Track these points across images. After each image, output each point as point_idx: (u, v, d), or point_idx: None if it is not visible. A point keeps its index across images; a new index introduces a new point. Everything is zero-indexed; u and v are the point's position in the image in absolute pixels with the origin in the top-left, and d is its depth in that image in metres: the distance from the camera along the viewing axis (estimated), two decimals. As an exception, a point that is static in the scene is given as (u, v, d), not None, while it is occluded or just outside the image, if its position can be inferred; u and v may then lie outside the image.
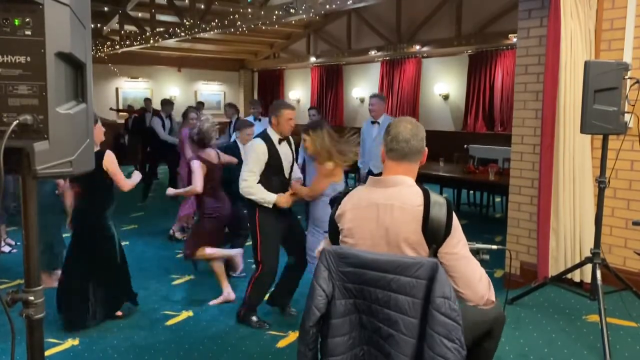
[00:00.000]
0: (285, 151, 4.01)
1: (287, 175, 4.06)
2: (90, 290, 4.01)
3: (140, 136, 11.00)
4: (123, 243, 6.40)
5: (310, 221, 4.17)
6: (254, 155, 3.87)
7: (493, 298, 2.09)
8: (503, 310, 2.59)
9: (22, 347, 1.38)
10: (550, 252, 4.30)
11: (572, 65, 4.08)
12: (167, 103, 9.66)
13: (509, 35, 9.44)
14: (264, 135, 3.96)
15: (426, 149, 2.20)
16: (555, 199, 4.23)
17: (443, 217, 1.97)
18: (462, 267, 2.00)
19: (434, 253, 2.00)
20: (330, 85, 14.48)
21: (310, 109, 8.58)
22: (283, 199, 3.91)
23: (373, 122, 6.34)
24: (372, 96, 6.45)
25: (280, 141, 3.97)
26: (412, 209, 1.99)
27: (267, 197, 3.87)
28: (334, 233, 2.24)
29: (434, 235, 1.97)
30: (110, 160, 3.84)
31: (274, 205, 3.89)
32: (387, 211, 2.04)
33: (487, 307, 2.09)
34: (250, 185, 3.86)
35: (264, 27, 9.93)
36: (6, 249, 6.05)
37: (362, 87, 13.90)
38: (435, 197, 2.02)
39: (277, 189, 3.94)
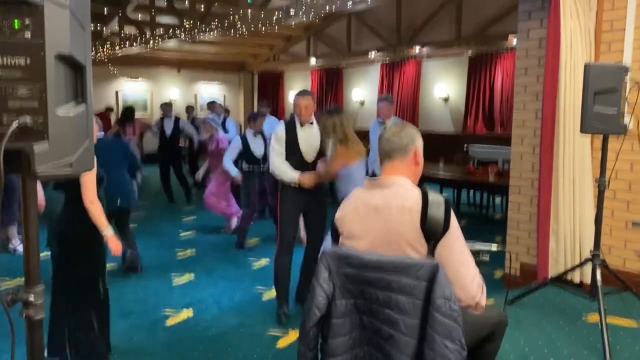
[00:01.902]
0: (306, 135, 4.20)
1: (307, 158, 4.19)
2: (72, 330, 3.34)
3: None
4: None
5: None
6: (274, 138, 4.20)
7: (484, 303, 2.05)
8: (505, 313, 2.60)
9: (22, 348, 1.38)
10: (550, 253, 4.31)
11: (572, 67, 4.08)
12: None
13: (509, 36, 9.46)
14: (289, 120, 4.27)
15: (417, 148, 2.19)
16: (555, 200, 4.23)
17: (441, 215, 1.98)
18: (457, 265, 2.00)
19: (432, 249, 2.00)
20: (330, 88, 14.50)
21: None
22: (305, 178, 4.08)
23: (381, 123, 6.35)
24: (381, 99, 6.41)
25: (302, 125, 4.19)
26: (410, 208, 2.01)
27: (289, 174, 4.10)
28: (335, 235, 2.25)
29: (433, 232, 1.98)
30: None
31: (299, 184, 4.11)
32: (385, 211, 2.05)
33: (477, 311, 2.07)
34: (275, 165, 4.15)
35: (264, 30, 9.94)
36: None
37: (362, 89, 13.92)
38: (433, 196, 2.03)
39: (297, 169, 4.13)
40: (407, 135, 2.19)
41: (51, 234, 3.37)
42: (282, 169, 4.11)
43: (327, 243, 3.91)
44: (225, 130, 8.89)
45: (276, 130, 4.22)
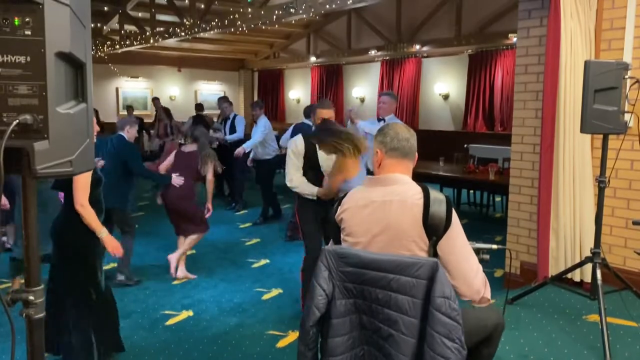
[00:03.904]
0: None
1: (326, 171, 4.03)
2: (73, 331, 3.25)
3: None
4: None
5: None
6: (293, 150, 4.04)
7: (489, 296, 2.10)
8: (503, 315, 2.59)
9: (23, 347, 1.38)
10: (550, 251, 4.30)
11: (572, 65, 4.08)
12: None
13: (509, 35, 9.46)
14: (306, 133, 4.15)
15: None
16: (555, 199, 4.23)
17: (443, 212, 2.01)
18: (460, 260, 2.03)
19: (434, 245, 2.02)
20: (330, 85, 14.49)
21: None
22: (322, 192, 3.96)
23: (379, 120, 6.32)
24: (384, 94, 6.35)
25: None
26: (412, 203, 2.03)
27: (308, 189, 4.00)
28: (336, 233, 2.25)
29: (435, 228, 2.01)
30: None
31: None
32: (386, 207, 2.06)
33: (484, 304, 2.11)
34: (293, 180, 4.02)
35: (264, 27, 9.93)
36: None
37: (362, 87, 13.91)
38: (434, 194, 2.06)
39: (313, 182, 4.02)
40: (414, 139, 2.25)
41: (50, 233, 3.31)
42: (300, 183, 4.00)
43: None
44: (233, 130, 8.67)
45: (295, 143, 4.06)
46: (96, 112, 11.50)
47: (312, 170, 4.03)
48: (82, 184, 3.13)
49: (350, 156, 3.70)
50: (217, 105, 9.54)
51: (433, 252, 2.03)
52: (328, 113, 4.11)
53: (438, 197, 2.04)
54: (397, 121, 6.13)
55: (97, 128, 3.53)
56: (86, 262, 3.27)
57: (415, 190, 2.07)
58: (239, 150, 7.70)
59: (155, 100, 12.10)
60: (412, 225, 2.01)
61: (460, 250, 2.04)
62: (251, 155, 7.91)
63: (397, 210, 2.04)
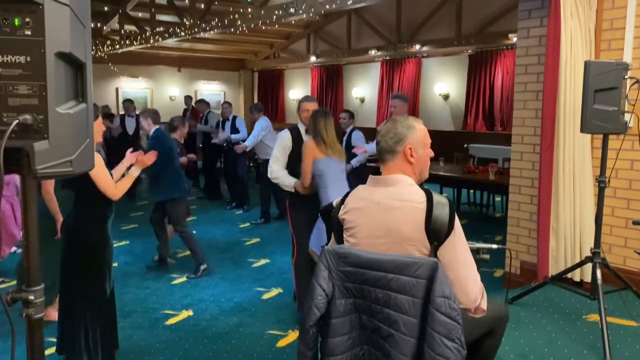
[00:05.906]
0: None
1: None
2: (82, 331, 3.25)
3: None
4: (122, 242, 6.50)
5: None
6: (279, 145, 4.19)
7: (485, 307, 2.04)
8: (506, 308, 2.59)
9: (23, 347, 1.38)
10: (550, 251, 4.31)
11: (572, 65, 4.08)
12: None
13: (509, 35, 9.45)
14: (294, 129, 4.24)
15: (410, 146, 2.15)
16: (555, 199, 4.23)
17: (445, 216, 1.96)
18: (459, 266, 1.99)
19: (435, 250, 1.98)
20: (330, 85, 14.48)
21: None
22: (299, 185, 4.01)
23: None
24: (395, 97, 6.32)
25: (307, 131, 4.15)
26: (414, 207, 1.99)
27: (286, 181, 4.10)
28: (339, 232, 2.24)
29: (436, 233, 1.96)
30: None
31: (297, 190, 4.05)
32: (388, 210, 2.04)
33: (478, 315, 2.05)
34: (273, 171, 4.15)
35: (264, 27, 9.92)
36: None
37: (362, 87, 13.90)
38: (437, 197, 2.01)
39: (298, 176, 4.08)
40: (395, 135, 2.15)
41: (61, 230, 3.35)
42: (280, 175, 4.11)
43: (314, 241, 3.91)
44: (234, 131, 8.74)
45: (282, 138, 4.18)
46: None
47: (298, 164, 4.01)
48: (103, 180, 3.13)
49: (319, 143, 3.86)
50: (198, 107, 10.31)
51: (434, 257, 2.00)
52: (314, 105, 4.22)
53: (441, 200, 1.99)
54: None
55: (102, 128, 3.43)
56: (96, 261, 3.28)
57: (418, 194, 2.02)
58: (241, 146, 7.79)
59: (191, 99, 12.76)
60: (413, 229, 1.98)
61: (460, 257, 2.00)
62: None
63: (399, 214, 2.01)
